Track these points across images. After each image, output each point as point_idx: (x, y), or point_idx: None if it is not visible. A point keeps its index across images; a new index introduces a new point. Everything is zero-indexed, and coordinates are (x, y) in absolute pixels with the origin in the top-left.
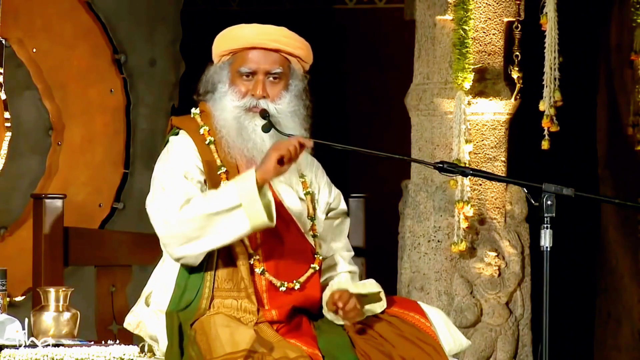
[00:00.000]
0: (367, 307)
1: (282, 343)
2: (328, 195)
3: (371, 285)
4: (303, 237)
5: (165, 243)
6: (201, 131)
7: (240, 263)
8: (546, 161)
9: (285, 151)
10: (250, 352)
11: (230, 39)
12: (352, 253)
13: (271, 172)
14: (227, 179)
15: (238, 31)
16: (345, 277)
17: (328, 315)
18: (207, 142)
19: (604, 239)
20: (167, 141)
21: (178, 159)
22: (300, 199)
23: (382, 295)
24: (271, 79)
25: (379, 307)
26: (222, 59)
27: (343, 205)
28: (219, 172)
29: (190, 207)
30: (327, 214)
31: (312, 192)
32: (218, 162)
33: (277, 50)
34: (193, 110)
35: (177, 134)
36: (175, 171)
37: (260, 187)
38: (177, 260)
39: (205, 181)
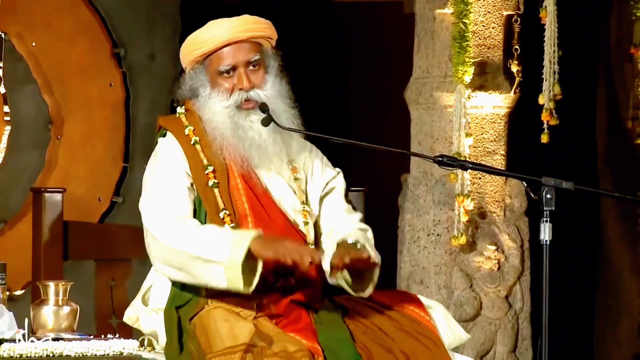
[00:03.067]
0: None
1: (281, 336)
2: (321, 172)
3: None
4: (294, 228)
5: (151, 255)
6: (186, 131)
7: None
8: (546, 155)
9: (293, 259)
10: (250, 346)
11: (200, 43)
12: (360, 214)
13: (269, 256)
14: (215, 178)
15: (205, 34)
16: (349, 226)
17: (330, 280)
18: (192, 142)
19: (603, 233)
20: (156, 143)
21: (166, 165)
22: (290, 186)
23: (376, 274)
24: (251, 67)
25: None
26: (195, 65)
27: (341, 181)
28: (206, 172)
29: (181, 236)
30: (324, 190)
31: (304, 177)
32: (205, 161)
33: (248, 39)
34: (178, 109)
35: (164, 135)
36: (165, 180)
37: (251, 256)
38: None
39: (192, 184)
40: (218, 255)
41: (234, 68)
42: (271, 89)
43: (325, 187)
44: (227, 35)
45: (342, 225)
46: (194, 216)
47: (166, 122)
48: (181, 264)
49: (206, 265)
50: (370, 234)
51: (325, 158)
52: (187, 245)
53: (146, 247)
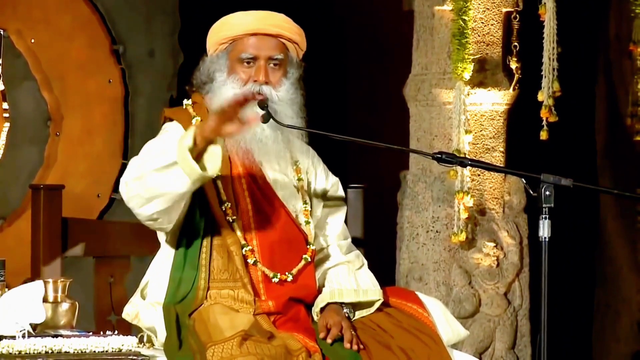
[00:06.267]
0: (358, 312)
1: (280, 334)
2: (325, 182)
3: (373, 292)
4: (296, 225)
5: (130, 206)
6: (193, 121)
7: (234, 253)
8: (545, 151)
9: (225, 109)
10: (248, 334)
11: (230, 26)
12: (349, 239)
13: (209, 130)
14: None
15: (237, 18)
16: (343, 270)
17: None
18: None
19: (602, 230)
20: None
21: (166, 136)
22: (294, 186)
23: (378, 303)
24: (272, 65)
25: (366, 312)
26: (219, 48)
27: (341, 192)
28: None
29: (139, 166)
30: (324, 201)
31: (306, 179)
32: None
33: (277, 36)
34: (185, 101)
35: (170, 120)
36: (157, 141)
37: (201, 144)
38: (149, 220)
39: None
40: (169, 157)
41: (254, 59)
42: (285, 93)
43: (327, 199)
44: (256, 24)
45: (333, 260)
46: (194, 207)
47: (173, 113)
48: (150, 190)
49: (165, 173)
50: (359, 263)
51: (324, 166)
52: (144, 167)
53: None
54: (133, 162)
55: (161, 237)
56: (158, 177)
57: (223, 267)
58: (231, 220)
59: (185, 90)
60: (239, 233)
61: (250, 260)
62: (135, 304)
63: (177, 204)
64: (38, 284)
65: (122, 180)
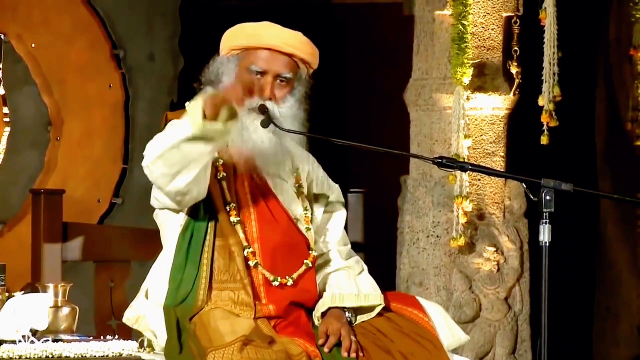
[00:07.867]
0: (359, 317)
1: (281, 338)
2: (325, 188)
3: (374, 297)
4: (297, 231)
5: (158, 186)
6: None
7: (235, 255)
8: (545, 156)
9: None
10: (248, 339)
11: (247, 35)
12: (349, 245)
13: (219, 99)
14: (224, 170)
15: (256, 29)
16: (343, 275)
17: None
18: None
19: (602, 234)
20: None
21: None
22: (294, 192)
23: (379, 308)
24: (279, 81)
25: (367, 317)
26: (231, 53)
27: (340, 198)
28: (215, 165)
29: (156, 147)
30: (324, 207)
31: (307, 185)
32: (215, 154)
33: (290, 55)
34: (187, 105)
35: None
36: (168, 130)
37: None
38: (179, 196)
39: None
40: (183, 132)
41: (263, 73)
42: (288, 109)
43: (327, 204)
44: (272, 40)
45: (333, 265)
46: (199, 206)
47: (176, 116)
48: (174, 165)
49: (187, 145)
50: (359, 268)
51: (324, 172)
52: (163, 145)
53: (159, 198)
54: (149, 147)
55: (165, 236)
56: (177, 152)
57: (224, 267)
58: (235, 222)
59: (193, 87)
60: (241, 234)
61: (252, 263)
62: (136, 308)
63: (202, 172)
64: (46, 294)
65: (143, 164)
